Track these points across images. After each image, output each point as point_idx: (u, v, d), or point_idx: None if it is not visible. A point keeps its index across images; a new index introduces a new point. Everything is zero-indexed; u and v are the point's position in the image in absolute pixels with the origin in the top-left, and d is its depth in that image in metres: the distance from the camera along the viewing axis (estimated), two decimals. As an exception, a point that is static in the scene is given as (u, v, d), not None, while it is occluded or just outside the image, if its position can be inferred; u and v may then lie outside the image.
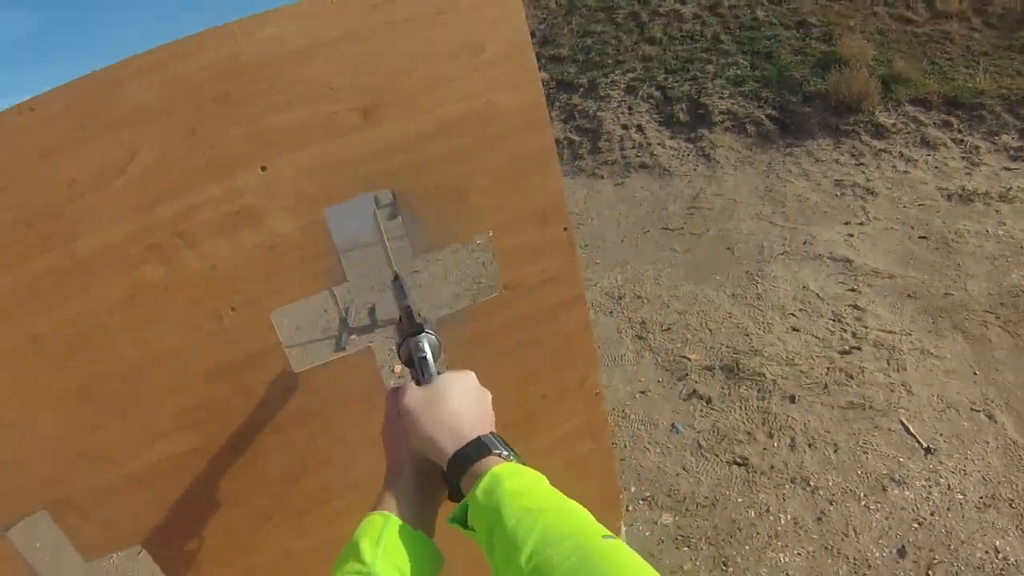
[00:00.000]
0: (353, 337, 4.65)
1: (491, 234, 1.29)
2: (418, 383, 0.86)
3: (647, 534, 2.57)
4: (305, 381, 1.32)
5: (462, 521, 0.71)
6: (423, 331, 0.94)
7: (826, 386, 3.00)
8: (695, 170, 5.39)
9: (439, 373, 0.88)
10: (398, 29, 1.21)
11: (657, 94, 6.28)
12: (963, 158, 4.80)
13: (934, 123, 5.15)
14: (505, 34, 1.25)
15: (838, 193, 4.76)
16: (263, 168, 1.21)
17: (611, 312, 3.99)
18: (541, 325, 1.38)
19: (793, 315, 3.56)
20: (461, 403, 0.81)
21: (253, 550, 1.46)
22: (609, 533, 0.61)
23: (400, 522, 0.73)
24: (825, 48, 6.06)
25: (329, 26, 1.18)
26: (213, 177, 1.19)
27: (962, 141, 4.93)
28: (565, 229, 1.33)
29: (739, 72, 6.20)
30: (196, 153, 1.18)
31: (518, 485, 0.68)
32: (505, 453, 0.74)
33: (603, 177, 5.72)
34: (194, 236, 1.21)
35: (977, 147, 4.82)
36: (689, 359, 3.42)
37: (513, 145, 1.29)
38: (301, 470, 1.40)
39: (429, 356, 0.91)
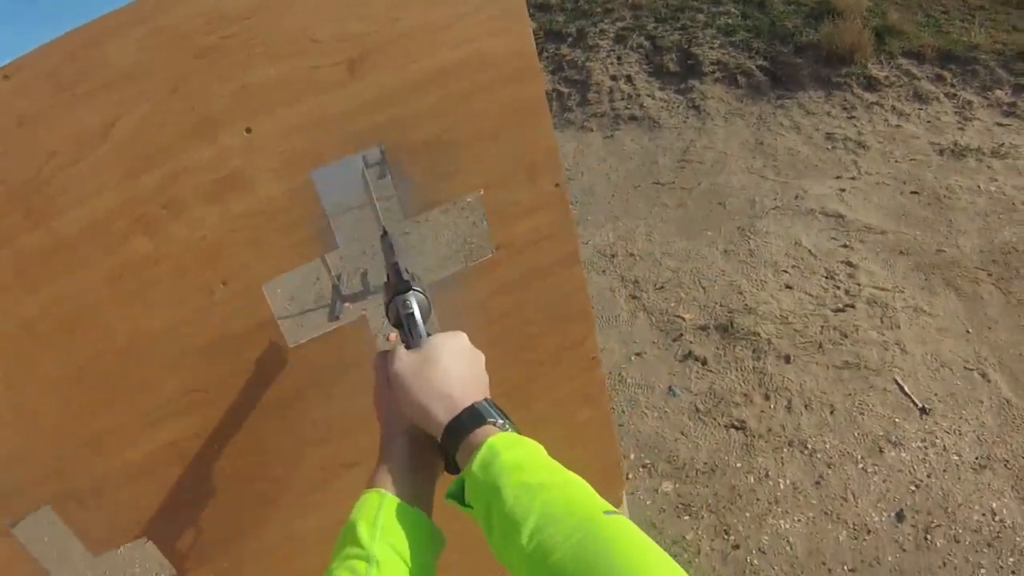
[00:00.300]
0: (347, 305, 4.60)
1: (481, 192, 1.24)
2: (408, 346, 0.82)
3: (648, 503, 2.59)
4: (300, 355, 1.28)
5: (459, 497, 0.68)
6: (411, 289, 0.90)
7: (821, 345, 3.02)
8: (685, 122, 5.32)
9: (429, 335, 0.83)
10: None
11: (647, 44, 6.14)
12: (956, 113, 4.76)
13: (927, 77, 5.09)
14: None
15: (829, 147, 4.72)
16: (248, 130, 1.15)
17: (604, 271, 3.96)
18: (534, 285, 1.34)
19: (786, 272, 3.55)
20: (453, 367, 0.76)
21: (259, 534, 1.44)
22: (611, 508, 0.58)
23: (397, 500, 0.70)
24: (818, -2, 5.95)
25: None
26: (197, 140, 1.13)
27: (955, 95, 4.88)
28: (557, 185, 1.28)
29: (730, 21, 6.07)
30: (179, 115, 1.11)
31: (516, 457, 0.65)
32: (501, 422, 0.71)
33: (592, 130, 5.62)
34: (181, 205, 1.15)
35: (970, 102, 4.78)
36: (683, 319, 3.42)
37: (503, 95, 1.23)
38: (301, 449, 1.38)
39: (418, 315, 0.87)
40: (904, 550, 2.21)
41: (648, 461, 2.74)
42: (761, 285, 3.49)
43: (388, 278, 0.98)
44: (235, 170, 1.15)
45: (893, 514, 2.31)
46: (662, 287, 3.69)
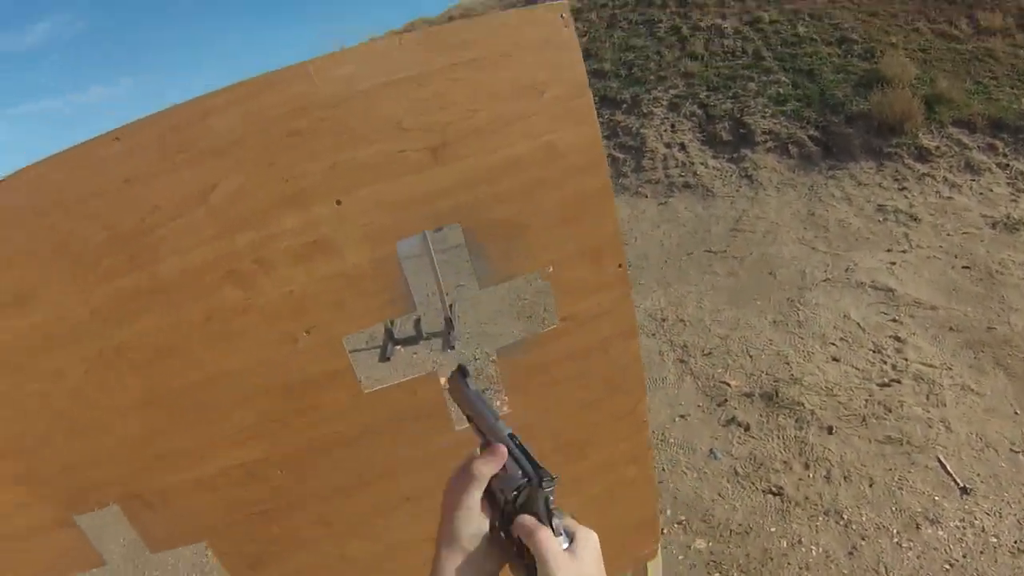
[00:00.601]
0: (398, 348, 4.80)
1: (550, 269, 1.34)
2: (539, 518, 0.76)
3: (680, 557, 2.67)
4: (372, 400, 1.38)
5: None
6: (553, 479, 0.80)
7: (864, 419, 3.07)
8: (738, 191, 5.45)
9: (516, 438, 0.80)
10: (465, 70, 1.25)
11: (699, 112, 6.35)
12: (1008, 184, 4.78)
13: (978, 146, 5.13)
14: (565, 76, 1.30)
15: (880, 218, 4.78)
16: (338, 202, 1.26)
17: (653, 334, 4.09)
18: (595, 356, 1.43)
19: (833, 344, 3.62)
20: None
21: (312, 551, 1.54)
22: None
23: None
24: (867, 66, 6.06)
25: (399, 67, 1.23)
26: (290, 208, 1.25)
27: (1007, 166, 4.91)
28: (620, 266, 1.38)
29: (781, 90, 6.24)
30: (274, 185, 1.23)
31: None
32: None
33: (647, 196, 5.80)
34: (271, 263, 1.27)
35: (1023, 172, 4.80)
36: (729, 385, 3.51)
37: (572, 184, 1.33)
38: (362, 481, 1.47)
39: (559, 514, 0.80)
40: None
41: (684, 518, 2.83)
42: (808, 356, 3.57)
43: (473, 426, 0.84)
44: (323, 237, 1.27)
45: (923, 591, 2.33)
46: (710, 353, 3.80)
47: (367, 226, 1.29)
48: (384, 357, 4.71)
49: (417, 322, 4.91)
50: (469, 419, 0.84)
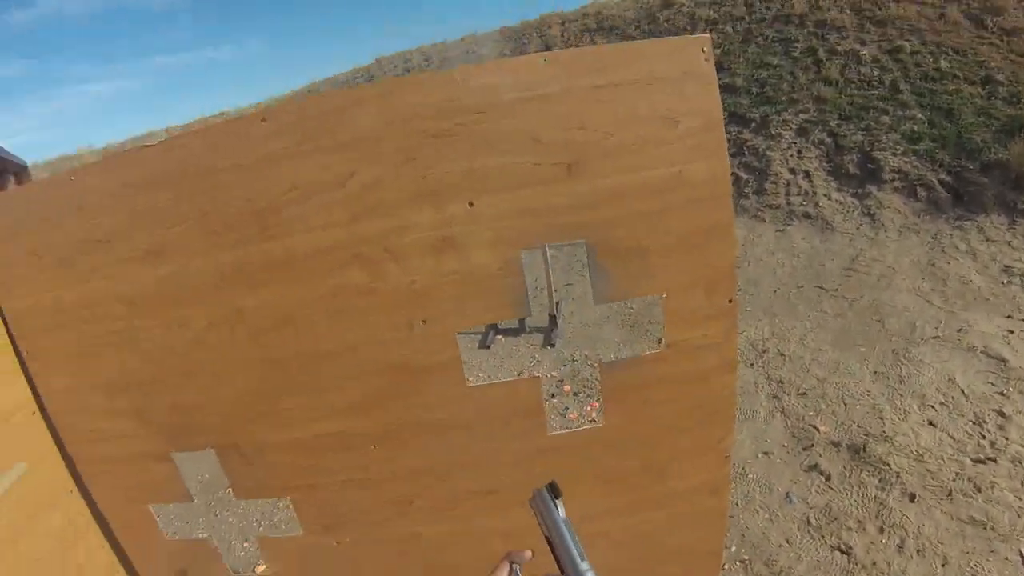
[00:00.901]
0: (499, 338, 5.00)
1: (664, 296, 1.39)
2: None
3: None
4: (474, 394, 1.46)
5: None
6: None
7: (951, 493, 3.04)
8: (858, 229, 5.33)
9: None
10: (605, 93, 1.29)
11: (828, 140, 6.21)
12: None
13: None
14: (701, 108, 1.34)
15: (1005, 281, 4.61)
16: (471, 203, 1.32)
17: (752, 364, 4.14)
18: (693, 385, 1.48)
19: (932, 407, 3.58)
20: None
21: (386, 524, 1.64)
22: None
23: None
24: (1012, 111, 5.72)
25: (541, 83, 1.28)
26: (425, 204, 1.32)
27: None
28: (731, 300, 1.41)
29: (915, 128, 6.00)
30: (411, 180, 1.30)
31: None
32: None
33: (765, 221, 5.76)
34: (400, 252, 1.35)
35: None
36: (818, 430, 3.55)
37: (696, 215, 1.37)
38: (451, 468, 1.57)
39: None
40: None
41: (747, 558, 2.90)
42: (904, 415, 3.55)
43: (551, 547, 0.80)
44: (453, 235, 1.35)
45: None
46: (805, 393, 3.83)
47: (496, 230, 1.35)
48: (485, 345, 4.90)
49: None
50: (548, 541, 0.80)
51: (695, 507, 1.66)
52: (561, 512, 0.80)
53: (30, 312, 1.44)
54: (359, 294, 1.37)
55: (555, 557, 0.78)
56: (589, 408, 3.97)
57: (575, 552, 0.77)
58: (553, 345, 4.68)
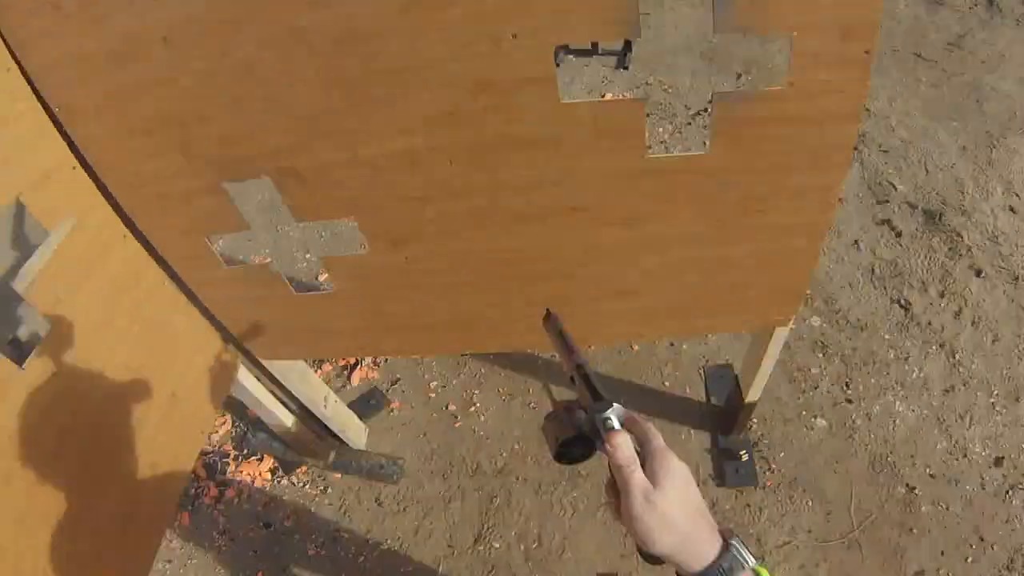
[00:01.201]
0: (570, 57, 4.50)
1: (795, 34, 1.18)
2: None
3: (791, 327, 2.72)
4: (566, 110, 1.33)
5: None
6: (612, 404, 0.76)
7: (1018, 279, 2.95)
8: (971, 9, 4.69)
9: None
10: None
11: None
12: None
13: None
14: None
15: (1118, 95, 4.21)
16: None
17: (834, 110, 3.79)
18: (809, 129, 1.34)
19: (1017, 195, 3.36)
20: (697, 500, 0.73)
21: (458, 237, 1.60)
22: None
23: None
24: None
25: None
26: None
27: None
28: (867, 52, 1.22)
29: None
30: None
31: None
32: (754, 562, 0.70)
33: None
34: None
35: None
36: (896, 187, 3.34)
37: None
38: (529, 184, 1.47)
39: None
40: (983, 488, 2.35)
41: (809, 292, 2.86)
42: (986, 195, 3.33)
43: (575, 380, 0.82)
44: None
45: (993, 456, 2.42)
46: (887, 151, 3.56)
47: None
48: (555, 63, 4.43)
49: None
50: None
51: (789, 245, 1.60)
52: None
53: (56, 66, 1.33)
54: (439, 7, 1.19)
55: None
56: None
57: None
58: (626, 68, 4.28)
